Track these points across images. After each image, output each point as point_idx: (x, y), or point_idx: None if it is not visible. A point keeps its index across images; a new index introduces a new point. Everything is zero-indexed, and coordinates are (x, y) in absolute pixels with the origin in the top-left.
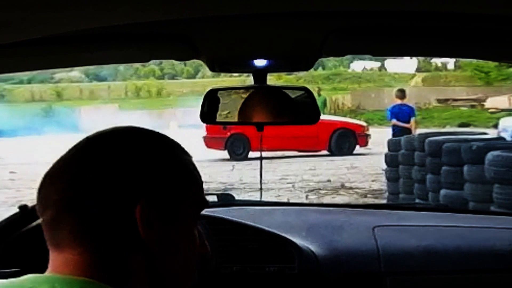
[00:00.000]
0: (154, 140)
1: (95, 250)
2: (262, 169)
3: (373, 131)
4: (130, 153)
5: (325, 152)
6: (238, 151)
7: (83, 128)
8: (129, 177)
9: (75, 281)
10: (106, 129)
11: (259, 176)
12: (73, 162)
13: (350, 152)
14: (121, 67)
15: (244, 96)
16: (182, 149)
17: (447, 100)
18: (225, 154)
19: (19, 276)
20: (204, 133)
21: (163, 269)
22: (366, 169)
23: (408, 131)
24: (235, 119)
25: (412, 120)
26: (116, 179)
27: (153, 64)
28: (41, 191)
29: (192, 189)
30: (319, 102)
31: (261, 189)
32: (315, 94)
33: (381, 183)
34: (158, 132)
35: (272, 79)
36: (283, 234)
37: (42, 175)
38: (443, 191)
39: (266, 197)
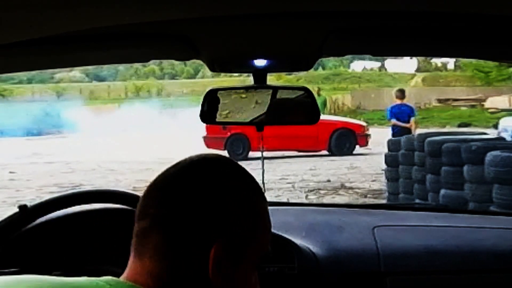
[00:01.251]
0: (246, 185)
1: (169, 270)
2: (264, 169)
3: (373, 131)
4: (222, 194)
5: (325, 152)
6: (238, 151)
7: (82, 128)
8: (214, 216)
9: None
10: (208, 156)
11: (260, 176)
12: (172, 181)
13: (350, 152)
14: (121, 67)
15: (244, 96)
16: (262, 194)
17: (447, 100)
18: (225, 154)
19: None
20: (204, 133)
21: None
22: (366, 169)
23: (407, 131)
24: (235, 119)
25: (412, 120)
26: (204, 214)
27: (153, 64)
28: (142, 201)
29: (262, 236)
30: (319, 102)
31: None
32: (315, 94)
33: (381, 183)
34: (249, 175)
35: (272, 79)
36: (283, 234)
37: (147, 187)
38: (443, 191)
39: (266, 197)
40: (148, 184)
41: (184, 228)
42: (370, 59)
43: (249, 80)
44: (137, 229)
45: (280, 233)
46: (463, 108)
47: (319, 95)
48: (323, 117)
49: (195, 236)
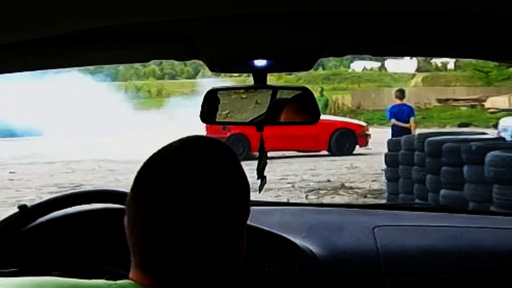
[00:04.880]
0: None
1: None
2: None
3: (373, 131)
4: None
5: (325, 152)
6: (238, 151)
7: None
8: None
9: None
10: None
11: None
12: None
13: (350, 152)
14: (121, 67)
15: (244, 96)
16: None
17: (447, 100)
18: None
19: (16, 275)
20: (204, 133)
21: None
22: (366, 169)
23: (407, 131)
24: (235, 119)
25: (412, 120)
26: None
27: (153, 64)
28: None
29: None
30: (321, 103)
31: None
32: (318, 94)
33: (381, 183)
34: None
35: (272, 79)
36: (283, 234)
37: None
38: (443, 191)
39: (266, 197)
40: None
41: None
42: (370, 59)
43: (249, 80)
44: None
45: (280, 233)
46: (463, 108)
47: (322, 95)
48: (323, 117)
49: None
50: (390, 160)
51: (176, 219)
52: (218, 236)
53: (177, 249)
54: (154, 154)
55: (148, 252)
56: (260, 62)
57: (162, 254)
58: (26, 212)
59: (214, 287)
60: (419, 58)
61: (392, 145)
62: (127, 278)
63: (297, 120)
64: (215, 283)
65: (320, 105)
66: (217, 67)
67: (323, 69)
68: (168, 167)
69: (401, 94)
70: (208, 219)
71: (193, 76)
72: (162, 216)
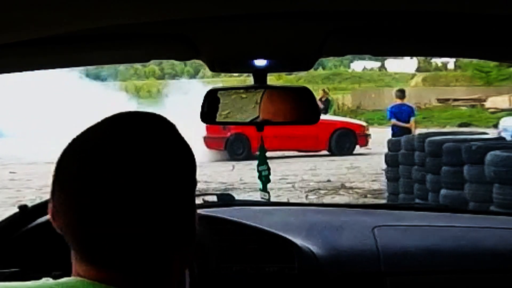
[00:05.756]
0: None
1: None
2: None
3: (373, 131)
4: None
5: (325, 152)
6: (238, 151)
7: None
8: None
9: None
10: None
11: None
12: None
13: (350, 152)
14: (121, 67)
15: (244, 96)
16: None
17: (447, 100)
18: (225, 154)
19: (17, 275)
20: (204, 133)
21: None
22: (366, 169)
23: (407, 131)
24: (235, 119)
25: (412, 120)
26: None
27: (153, 64)
28: None
29: None
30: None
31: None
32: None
33: (381, 183)
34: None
35: (272, 79)
36: (283, 234)
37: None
38: (443, 191)
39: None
40: None
41: None
42: (370, 59)
43: (249, 80)
44: None
45: (280, 233)
46: (463, 108)
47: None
48: (323, 117)
49: None
50: (390, 160)
51: (116, 200)
52: (166, 211)
53: (122, 233)
54: (82, 133)
55: (90, 241)
56: (260, 62)
57: (107, 241)
58: (26, 212)
59: (171, 265)
60: (419, 58)
61: (392, 145)
62: None
63: (297, 120)
64: (171, 260)
65: (326, 105)
66: (217, 67)
67: (323, 69)
68: (101, 144)
69: (401, 94)
70: (151, 195)
71: (193, 76)
72: (102, 199)
